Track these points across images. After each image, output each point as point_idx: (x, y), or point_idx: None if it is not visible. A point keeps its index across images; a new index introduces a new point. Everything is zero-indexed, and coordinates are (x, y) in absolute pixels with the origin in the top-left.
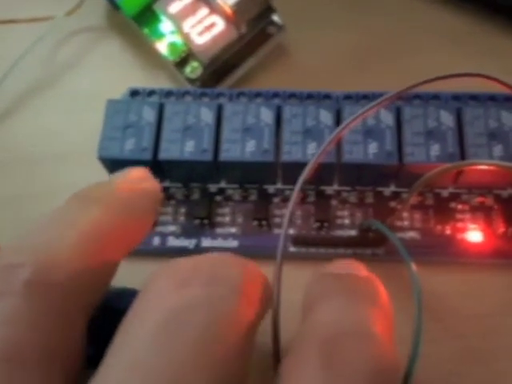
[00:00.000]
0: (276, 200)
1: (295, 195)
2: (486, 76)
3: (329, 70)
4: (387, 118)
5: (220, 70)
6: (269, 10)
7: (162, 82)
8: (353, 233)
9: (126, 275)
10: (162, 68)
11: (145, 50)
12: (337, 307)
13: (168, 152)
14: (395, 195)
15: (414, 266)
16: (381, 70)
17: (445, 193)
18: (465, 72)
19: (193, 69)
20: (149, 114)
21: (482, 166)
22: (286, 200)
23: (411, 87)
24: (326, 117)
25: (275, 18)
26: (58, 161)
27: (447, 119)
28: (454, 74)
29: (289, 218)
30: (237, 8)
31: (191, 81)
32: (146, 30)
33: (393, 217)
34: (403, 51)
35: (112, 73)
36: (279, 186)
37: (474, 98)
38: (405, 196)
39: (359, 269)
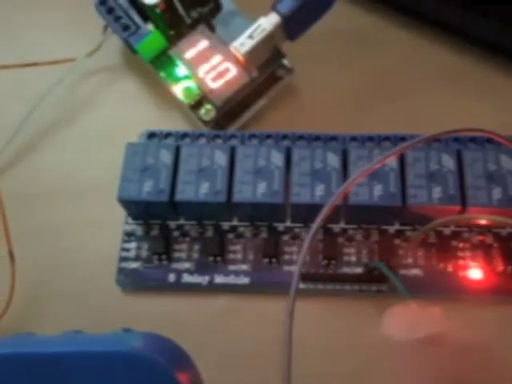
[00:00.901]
0: (285, 238)
1: (308, 242)
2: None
3: (336, 110)
4: (391, 161)
5: (232, 111)
6: (279, 55)
7: (176, 123)
8: (359, 269)
9: (144, 311)
10: (177, 109)
11: (161, 91)
12: None
13: (184, 194)
14: (399, 233)
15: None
16: (387, 109)
17: (447, 231)
18: (476, 128)
19: (206, 111)
20: (165, 157)
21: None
22: (295, 238)
23: (419, 141)
24: (333, 159)
25: (285, 61)
26: (78, 196)
27: (448, 162)
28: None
29: (301, 264)
30: (249, 55)
31: (205, 122)
32: (162, 74)
33: (398, 258)
34: (410, 91)
35: (129, 112)
36: (288, 224)
37: (474, 140)
38: (409, 234)
39: None
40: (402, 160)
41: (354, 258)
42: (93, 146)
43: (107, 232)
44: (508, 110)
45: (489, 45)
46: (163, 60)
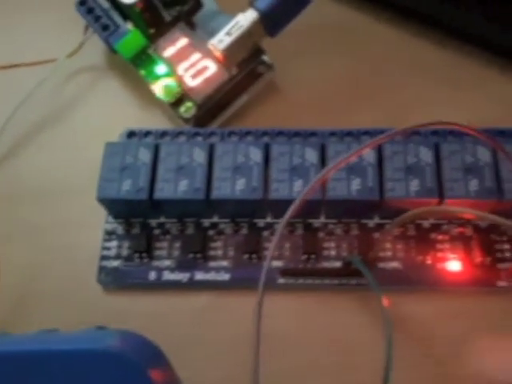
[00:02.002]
0: (266, 233)
1: (277, 237)
2: (455, 124)
3: (317, 106)
4: (369, 155)
5: (213, 108)
6: (258, 51)
7: (157, 120)
8: (338, 264)
9: (125, 309)
10: (158, 107)
11: (142, 90)
12: None
13: (163, 192)
14: (379, 226)
15: (385, 301)
16: (366, 104)
17: (426, 224)
18: (438, 121)
19: (187, 108)
20: (145, 156)
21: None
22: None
23: (392, 135)
24: (312, 155)
25: (265, 58)
26: (61, 195)
27: (426, 155)
28: (432, 123)
29: (270, 258)
30: (227, 53)
31: (185, 120)
32: (142, 72)
33: (373, 251)
34: (392, 86)
35: (111, 111)
36: (269, 219)
37: (452, 133)
38: (387, 227)
39: None
40: (380, 154)
41: (333, 253)
42: (76, 146)
43: (89, 231)
44: (492, 103)
45: (472, 38)
46: (143, 58)
